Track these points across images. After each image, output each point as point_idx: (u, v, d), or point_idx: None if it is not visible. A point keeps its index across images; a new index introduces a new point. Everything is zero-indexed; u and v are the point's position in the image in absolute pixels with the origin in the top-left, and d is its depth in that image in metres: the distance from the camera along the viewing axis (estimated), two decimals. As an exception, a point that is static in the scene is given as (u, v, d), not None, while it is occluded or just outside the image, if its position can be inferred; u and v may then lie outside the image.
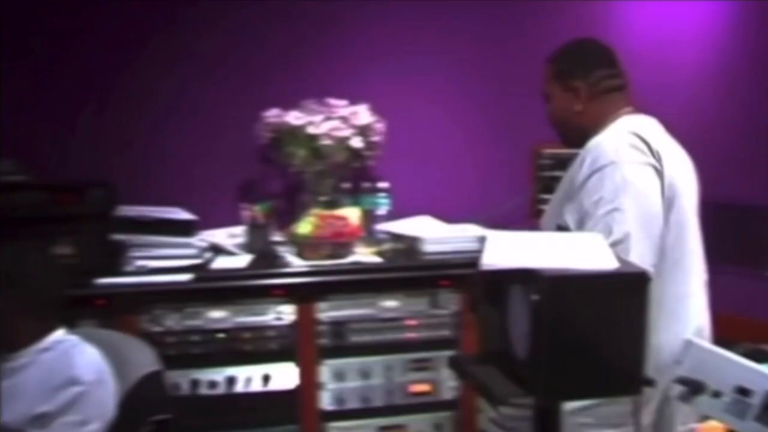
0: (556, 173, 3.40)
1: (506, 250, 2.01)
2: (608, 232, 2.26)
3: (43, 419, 2.38)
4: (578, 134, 2.56)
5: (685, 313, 2.42)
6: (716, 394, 2.00)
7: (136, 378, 2.62)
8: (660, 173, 2.38)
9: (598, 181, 2.34)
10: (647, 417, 2.45)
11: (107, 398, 2.51)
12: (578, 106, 2.55)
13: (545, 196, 3.22)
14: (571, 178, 2.47)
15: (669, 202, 2.40)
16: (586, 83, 2.55)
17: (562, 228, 2.46)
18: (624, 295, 1.80)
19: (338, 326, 3.30)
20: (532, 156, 3.48)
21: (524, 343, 1.87)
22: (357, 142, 3.50)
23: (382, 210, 3.65)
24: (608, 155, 2.35)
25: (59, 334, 2.58)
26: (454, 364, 2.20)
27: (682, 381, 2.04)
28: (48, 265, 2.65)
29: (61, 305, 2.64)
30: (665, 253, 2.37)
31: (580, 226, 2.36)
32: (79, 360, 2.50)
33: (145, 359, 2.72)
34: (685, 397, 2.04)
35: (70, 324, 2.72)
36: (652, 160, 2.38)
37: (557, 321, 1.79)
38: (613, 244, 2.20)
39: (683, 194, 2.46)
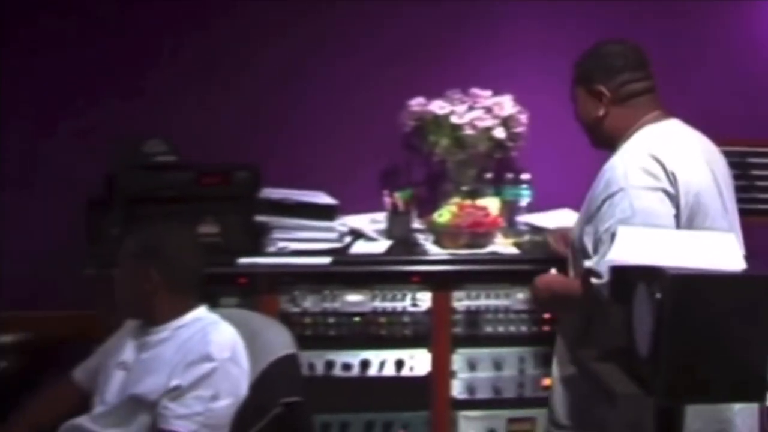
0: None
1: (635, 246, 1.99)
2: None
3: (176, 392, 2.46)
4: (604, 138, 2.60)
5: None
6: None
7: (271, 359, 2.67)
8: (672, 196, 2.37)
9: (608, 207, 2.37)
10: None
11: (240, 377, 2.58)
12: (601, 110, 2.56)
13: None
14: (591, 196, 2.48)
15: (689, 219, 2.39)
16: (609, 87, 2.53)
17: (584, 249, 2.46)
18: (751, 297, 1.75)
19: (473, 315, 3.30)
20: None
21: (647, 342, 1.84)
22: (500, 133, 3.50)
23: (524, 201, 3.64)
24: (619, 181, 2.37)
25: (199, 311, 2.68)
26: (576, 359, 2.19)
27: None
28: (192, 245, 2.75)
29: (202, 284, 2.73)
30: None
31: (595, 251, 2.37)
32: (215, 338, 2.58)
33: (281, 342, 2.76)
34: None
35: (213, 301, 2.83)
36: (665, 184, 2.36)
37: (680, 321, 1.76)
38: None
39: (709, 205, 2.44)
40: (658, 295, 1.78)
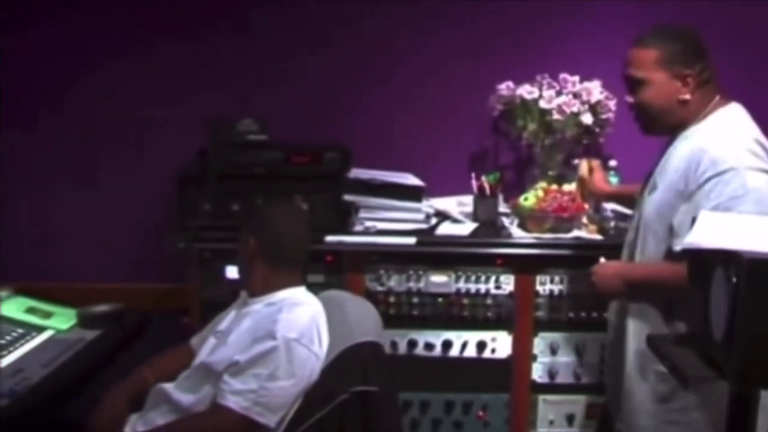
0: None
1: (714, 230, 1.98)
2: None
3: (235, 367, 2.45)
4: (674, 123, 2.61)
5: None
6: None
7: (348, 345, 2.59)
8: None
9: (715, 185, 2.39)
10: None
11: (308, 360, 2.51)
12: (685, 95, 2.55)
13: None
14: (683, 176, 2.48)
15: None
16: (695, 72, 2.54)
17: (671, 230, 2.48)
18: (828, 284, 1.74)
19: (555, 300, 3.32)
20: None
21: (722, 327, 1.84)
22: (587, 118, 3.49)
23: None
24: (728, 160, 2.40)
25: (292, 291, 2.67)
26: (651, 343, 2.18)
27: None
28: (294, 222, 2.75)
29: (302, 263, 2.74)
30: None
31: None
32: (286, 316, 2.53)
33: (363, 328, 2.69)
34: None
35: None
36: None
37: (756, 305, 1.75)
38: None
39: None
40: (734, 279, 1.78)
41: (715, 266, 1.91)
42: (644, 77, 2.58)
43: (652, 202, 2.61)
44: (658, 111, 2.60)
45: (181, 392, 2.60)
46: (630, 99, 2.67)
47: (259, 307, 2.64)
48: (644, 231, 2.65)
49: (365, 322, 2.75)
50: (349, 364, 2.56)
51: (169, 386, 2.64)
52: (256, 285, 2.68)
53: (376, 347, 2.65)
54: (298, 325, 2.53)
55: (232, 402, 2.41)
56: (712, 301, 1.93)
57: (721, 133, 2.51)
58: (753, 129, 2.54)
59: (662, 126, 2.65)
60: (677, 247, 2.44)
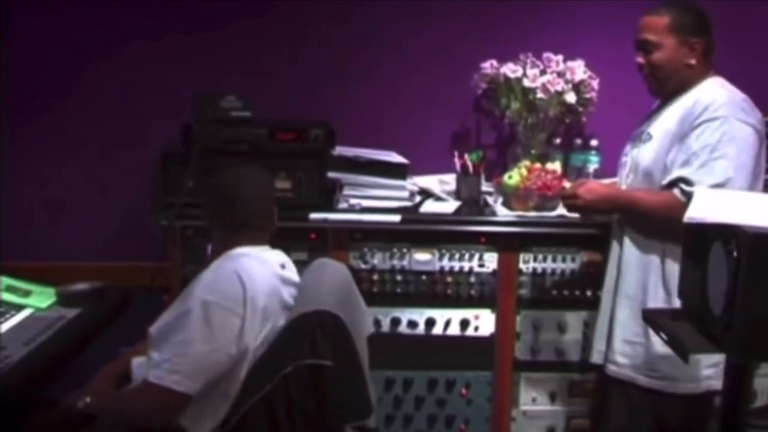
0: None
1: (713, 205, 2.00)
2: (712, 174, 2.64)
3: (156, 338, 2.39)
4: (678, 85, 2.88)
5: None
6: None
7: (298, 314, 2.40)
8: (762, 135, 2.76)
9: (706, 129, 2.71)
10: None
11: (228, 324, 2.34)
12: (692, 60, 2.85)
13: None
14: (680, 122, 2.78)
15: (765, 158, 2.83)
16: (703, 42, 2.84)
17: (665, 169, 2.77)
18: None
19: (539, 278, 3.33)
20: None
21: (721, 301, 1.85)
22: (571, 98, 3.50)
23: (592, 167, 3.63)
24: (721, 110, 2.72)
25: (241, 249, 2.55)
26: (648, 317, 2.20)
27: None
28: (249, 185, 2.65)
29: (260, 225, 2.64)
30: None
31: (685, 165, 2.70)
32: (208, 277, 2.42)
33: (323, 298, 2.44)
34: None
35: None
36: (757, 124, 2.75)
37: (756, 279, 1.77)
38: (715, 186, 2.57)
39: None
40: (735, 254, 1.79)
41: (713, 241, 1.92)
42: (657, 41, 2.86)
43: (648, 149, 2.88)
44: (668, 72, 2.87)
45: (138, 366, 2.55)
46: (641, 60, 2.91)
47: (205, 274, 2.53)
48: (640, 175, 2.90)
49: (327, 292, 2.50)
50: (297, 334, 2.36)
51: (135, 360, 2.59)
52: (215, 251, 2.62)
53: (331, 318, 2.36)
54: (219, 286, 2.39)
55: (152, 376, 2.30)
56: (710, 275, 1.94)
57: (716, 88, 2.81)
58: (742, 93, 2.83)
59: (668, 86, 2.90)
60: (665, 181, 2.77)
